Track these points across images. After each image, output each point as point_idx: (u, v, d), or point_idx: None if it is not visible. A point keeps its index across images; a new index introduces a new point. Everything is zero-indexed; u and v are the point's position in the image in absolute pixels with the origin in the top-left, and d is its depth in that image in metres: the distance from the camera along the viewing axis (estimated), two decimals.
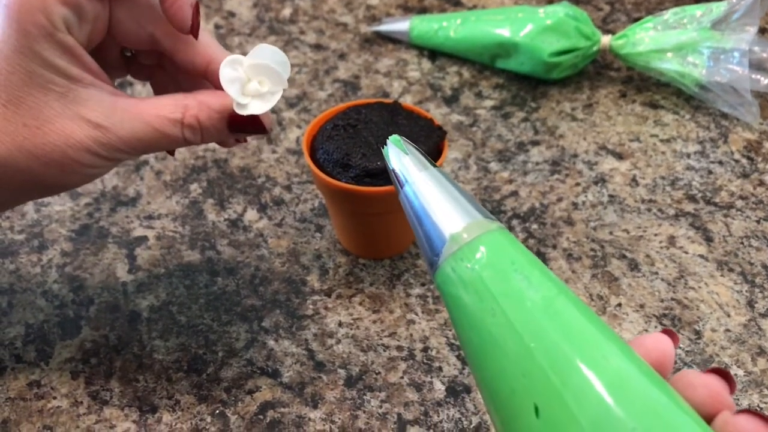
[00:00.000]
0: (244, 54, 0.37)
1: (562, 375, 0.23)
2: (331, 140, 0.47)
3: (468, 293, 0.26)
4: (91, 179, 0.38)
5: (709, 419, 0.24)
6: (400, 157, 0.31)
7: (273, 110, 0.63)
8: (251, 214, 0.54)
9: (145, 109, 0.36)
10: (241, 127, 0.37)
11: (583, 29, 0.62)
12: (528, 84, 0.65)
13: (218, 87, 0.36)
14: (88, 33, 0.36)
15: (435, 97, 0.64)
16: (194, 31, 0.37)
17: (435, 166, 0.30)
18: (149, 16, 0.37)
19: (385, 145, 0.31)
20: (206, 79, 0.38)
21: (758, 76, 0.60)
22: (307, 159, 0.47)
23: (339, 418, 0.43)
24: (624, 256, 0.51)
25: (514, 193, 0.55)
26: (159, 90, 0.42)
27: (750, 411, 0.23)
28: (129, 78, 0.44)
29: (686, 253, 0.51)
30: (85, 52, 0.35)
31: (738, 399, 0.43)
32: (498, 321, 0.25)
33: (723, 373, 0.25)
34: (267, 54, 0.37)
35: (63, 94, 0.35)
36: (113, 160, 0.37)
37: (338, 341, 0.46)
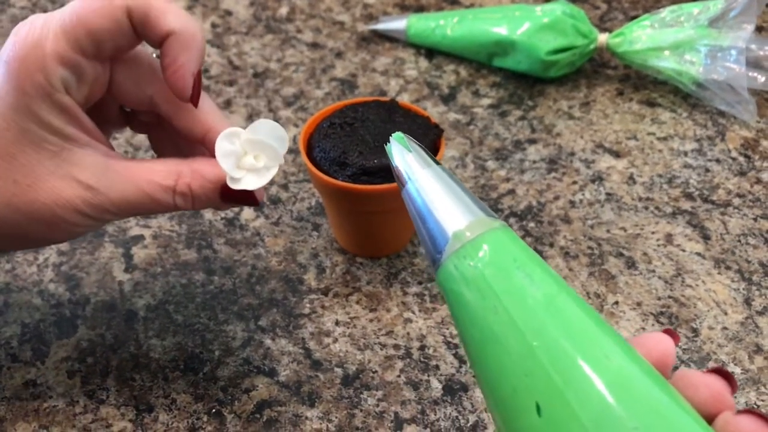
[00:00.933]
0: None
1: (564, 373, 0.23)
2: (327, 138, 0.47)
3: (470, 291, 0.26)
4: (77, 236, 0.38)
5: (709, 419, 0.24)
6: (403, 154, 0.31)
7: (270, 109, 0.63)
8: (248, 213, 0.54)
9: (138, 173, 0.36)
10: (233, 199, 0.37)
11: (581, 27, 0.62)
12: (525, 82, 0.65)
13: (214, 156, 0.36)
14: (86, 93, 0.36)
15: (432, 95, 0.64)
16: (194, 100, 0.37)
17: (438, 163, 0.30)
18: (150, 80, 0.37)
19: (388, 142, 0.31)
20: (203, 146, 0.38)
21: (755, 74, 0.60)
22: (304, 157, 0.47)
23: (336, 417, 0.42)
24: (621, 254, 0.51)
25: (511, 192, 0.55)
26: (157, 144, 0.42)
27: (752, 411, 0.23)
28: None
29: (683, 251, 0.51)
30: (82, 112, 0.36)
31: (735, 397, 0.43)
32: (500, 319, 0.25)
33: (724, 373, 0.25)
34: (266, 129, 0.37)
35: (56, 153, 0.35)
36: (101, 221, 0.37)
37: (335, 340, 0.46)
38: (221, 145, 0.36)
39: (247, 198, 0.37)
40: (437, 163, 0.30)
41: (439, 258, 0.28)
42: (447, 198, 0.29)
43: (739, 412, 0.23)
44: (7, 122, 0.34)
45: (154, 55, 0.38)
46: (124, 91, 0.38)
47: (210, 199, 0.37)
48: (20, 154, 0.34)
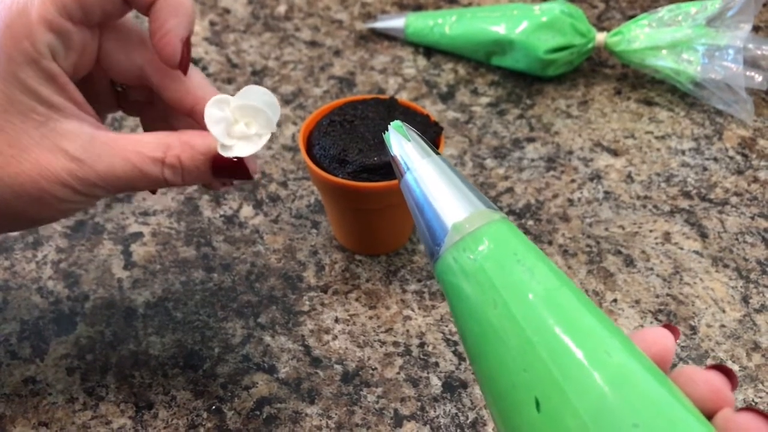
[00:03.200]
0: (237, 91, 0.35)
1: (564, 369, 0.23)
2: (327, 136, 0.47)
3: (470, 284, 0.26)
4: (66, 215, 0.37)
5: (709, 415, 0.24)
6: (402, 143, 0.30)
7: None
8: (247, 211, 0.54)
9: (126, 145, 0.34)
10: (224, 170, 0.36)
11: (579, 26, 0.62)
12: (523, 81, 0.65)
13: (205, 127, 0.35)
14: (74, 62, 0.35)
15: (430, 94, 0.64)
16: (183, 66, 0.36)
17: (438, 153, 0.30)
18: (139, 49, 0.36)
19: (387, 131, 0.31)
20: (193, 118, 0.37)
21: (752, 74, 0.60)
22: (303, 155, 0.47)
23: (335, 414, 0.43)
24: (619, 252, 0.51)
25: (510, 190, 0.56)
26: (148, 127, 0.41)
27: (752, 409, 0.23)
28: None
29: (681, 249, 0.51)
30: (70, 81, 0.35)
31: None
32: (500, 313, 0.25)
33: (724, 370, 0.25)
34: (256, 95, 0.35)
35: (42, 123, 0.33)
36: (89, 196, 0.35)
37: (335, 337, 0.46)
38: (210, 112, 0.35)
39: (239, 170, 0.36)
40: (437, 153, 0.30)
41: (437, 250, 0.27)
42: (447, 189, 0.28)
43: (740, 409, 0.23)
44: None
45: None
46: (114, 62, 0.36)
47: (201, 172, 0.35)
48: (6, 124, 0.33)
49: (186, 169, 0.35)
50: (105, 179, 0.34)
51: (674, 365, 0.43)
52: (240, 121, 0.36)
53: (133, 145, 0.35)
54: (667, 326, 0.26)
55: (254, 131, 0.36)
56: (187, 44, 0.35)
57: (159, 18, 0.34)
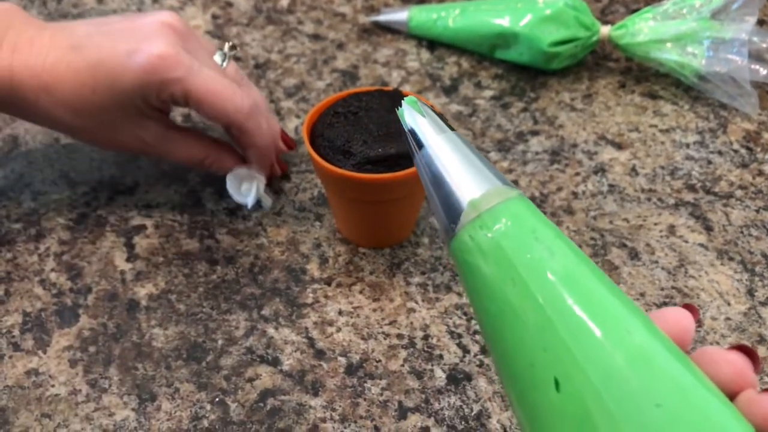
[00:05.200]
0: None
1: (585, 348, 0.23)
2: (331, 128, 0.47)
3: (487, 262, 0.25)
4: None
5: (732, 397, 0.23)
6: (417, 119, 0.29)
7: (271, 99, 0.62)
8: None
9: (186, 141, 0.51)
10: None
11: (583, 19, 0.62)
12: (527, 74, 0.65)
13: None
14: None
15: (434, 87, 0.64)
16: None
17: (453, 129, 0.29)
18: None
19: (400, 106, 0.30)
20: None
21: (757, 67, 0.60)
22: (307, 146, 0.47)
23: (340, 406, 0.42)
24: (624, 245, 0.51)
25: (514, 183, 0.55)
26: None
27: None
28: None
29: (686, 242, 0.51)
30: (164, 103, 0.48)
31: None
32: (518, 291, 0.24)
33: (747, 350, 0.24)
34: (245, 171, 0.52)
35: (135, 121, 0.49)
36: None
37: (338, 329, 0.46)
38: (228, 179, 0.51)
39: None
40: (452, 128, 0.29)
41: (453, 228, 0.27)
42: (462, 165, 0.27)
43: (763, 390, 0.23)
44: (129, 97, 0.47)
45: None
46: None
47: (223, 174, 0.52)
48: (115, 118, 0.48)
49: (215, 171, 0.52)
50: (167, 158, 0.52)
51: None
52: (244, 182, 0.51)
53: (187, 148, 0.51)
54: (687, 306, 0.26)
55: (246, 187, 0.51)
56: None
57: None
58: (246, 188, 0.51)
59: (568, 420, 0.23)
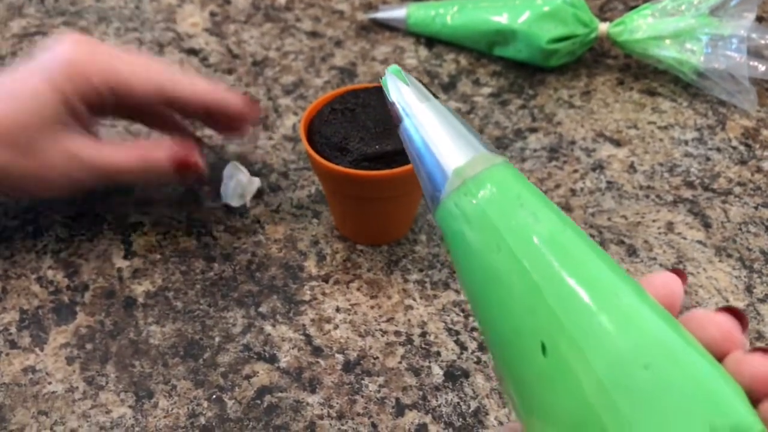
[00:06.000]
0: None
1: (571, 312, 0.23)
2: (328, 124, 0.47)
3: (472, 229, 0.25)
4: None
5: (720, 358, 0.23)
6: (400, 87, 0.29)
7: (269, 97, 0.62)
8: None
9: (109, 154, 0.48)
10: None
11: (581, 16, 0.62)
12: (525, 71, 0.65)
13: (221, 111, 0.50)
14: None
15: (432, 84, 0.64)
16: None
17: (437, 97, 0.29)
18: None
19: (384, 77, 0.30)
20: (209, 110, 0.50)
21: (756, 63, 0.60)
22: (304, 143, 0.47)
23: (337, 403, 0.42)
24: (622, 242, 0.51)
25: None
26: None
27: (764, 349, 0.22)
28: None
29: (684, 239, 0.51)
30: (86, 115, 0.47)
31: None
32: (503, 257, 0.24)
33: (735, 312, 0.24)
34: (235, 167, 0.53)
35: (57, 137, 0.46)
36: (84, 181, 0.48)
37: (336, 326, 0.46)
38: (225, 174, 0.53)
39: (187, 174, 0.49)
40: (436, 96, 0.29)
41: (438, 195, 0.27)
42: (446, 133, 0.27)
43: (751, 350, 0.23)
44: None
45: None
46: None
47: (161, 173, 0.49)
48: (37, 135, 0.45)
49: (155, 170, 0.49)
50: (106, 173, 0.48)
51: None
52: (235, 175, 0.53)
53: (124, 148, 0.48)
54: (675, 270, 0.25)
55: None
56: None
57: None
58: (232, 187, 0.52)
59: (555, 384, 0.23)
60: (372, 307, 0.47)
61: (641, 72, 0.65)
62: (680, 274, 0.25)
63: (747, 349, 0.23)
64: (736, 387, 0.22)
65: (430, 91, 0.29)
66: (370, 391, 0.43)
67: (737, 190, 0.55)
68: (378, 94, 0.48)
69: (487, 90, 0.63)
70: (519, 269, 0.24)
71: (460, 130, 0.27)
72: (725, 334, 0.23)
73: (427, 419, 0.41)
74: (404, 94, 0.29)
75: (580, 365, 0.22)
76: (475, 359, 0.44)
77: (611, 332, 0.22)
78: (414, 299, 0.48)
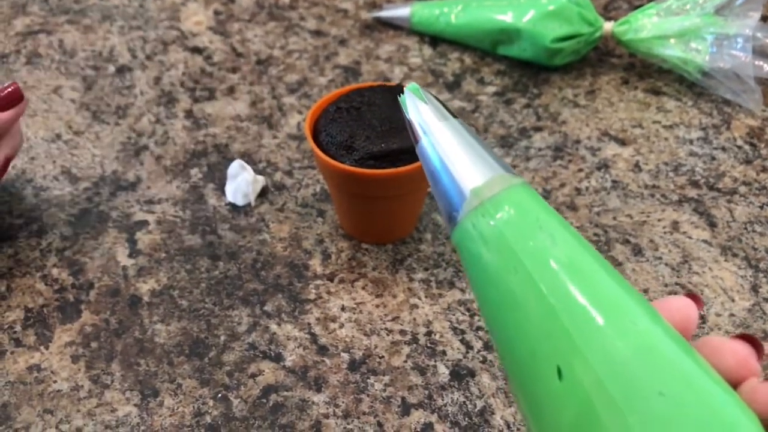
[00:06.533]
0: None
1: (588, 337, 0.23)
2: (334, 123, 0.47)
3: (489, 250, 0.25)
4: None
5: (735, 385, 0.23)
6: (418, 106, 0.29)
7: (273, 96, 0.62)
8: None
9: None
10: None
11: (586, 15, 0.62)
12: (530, 70, 0.65)
13: None
14: None
15: (437, 83, 0.64)
16: None
17: (455, 116, 0.29)
18: None
19: (402, 94, 0.30)
20: None
21: (761, 63, 0.60)
22: (309, 141, 0.47)
23: (343, 402, 0.42)
24: (627, 241, 0.51)
25: None
26: None
27: None
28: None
29: (690, 238, 0.51)
30: None
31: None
32: (520, 279, 0.24)
33: (750, 339, 0.24)
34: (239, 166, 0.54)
35: None
36: None
37: (341, 325, 0.46)
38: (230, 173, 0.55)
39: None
40: (454, 116, 0.29)
41: (455, 215, 0.26)
42: (465, 153, 0.27)
43: (767, 378, 0.23)
44: None
45: None
46: None
47: None
48: None
49: None
50: None
51: None
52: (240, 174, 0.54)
53: None
54: (690, 295, 0.25)
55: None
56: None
57: None
58: (237, 186, 0.53)
59: (570, 409, 0.23)
60: (377, 306, 0.47)
61: (646, 71, 0.65)
62: (696, 299, 0.25)
63: (762, 377, 0.23)
64: (751, 415, 0.22)
65: (449, 110, 0.29)
66: (376, 390, 0.43)
67: (742, 189, 0.54)
68: (383, 92, 0.48)
69: (491, 89, 0.63)
70: (536, 292, 0.24)
71: (477, 150, 0.27)
72: (741, 362, 0.23)
73: (433, 418, 0.41)
74: (422, 113, 0.29)
75: (596, 390, 0.22)
76: (481, 358, 0.44)
77: (627, 358, 0.22)
78: (419, 298, 0.48)
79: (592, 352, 0.22)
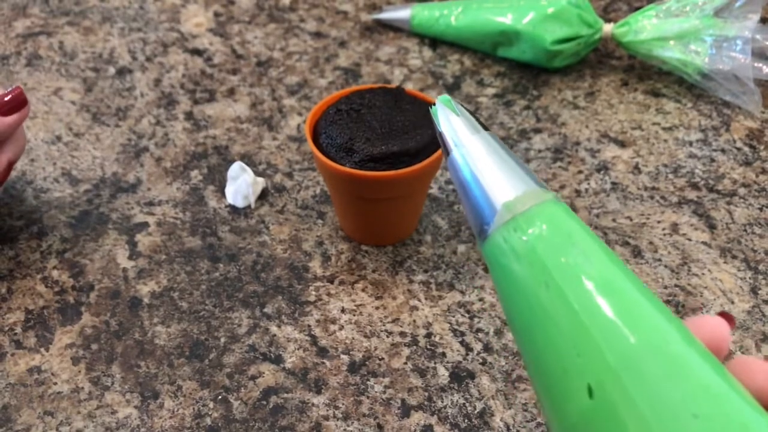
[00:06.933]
0: None
1: (620, 356, 0.22)
2: (334, 125, 0.47)
3: (521, 265, 0.25)
4: None
5: (767, 406, 0.23)
6: (450, 118, 0.29)
7: (273, 97, 0.62)
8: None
9: None
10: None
11: (585, 17, 0.62)
12: (530, 72, 0.65)
13: None
14: None
15: (437, 85, 0.64)
16: None
17: (487, 129, 0.29)
18: None
19: (433, 105, 0.29)
20: None
21: (761, 65, 0.60)
22: (310, 143, 0.47)
23: (342, 404, 0.42)
24: (627, 243, 0.51)
25: None
26: None
27: None
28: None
29: (689, 240, 0.51)
30: None
31: None
32: (552, 295, 0.24)
33: None
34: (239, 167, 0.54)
35: None
36: None
37: (341, 327, 0.46)
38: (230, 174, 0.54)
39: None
40: (486, 128, 0.29)
41: (486, 229, 0.26)
42: (496, 166, 0.27)
43: None
44: None
45: None
46: None
47: None
48: None
49: None
50: None
51: None
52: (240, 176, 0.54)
53: None
54: (723, 314, 0.25)
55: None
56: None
57: None
58: (237, 188, 0.53)
59: (601, 428, 0.22)
60: (377, 308, 0.47)
61: (645, 73, 0.65)
62: (729, 318, 0.25)
63: None
64: None
65: (480, 122, 0.29)
66: (376, 392, 0.43)
67: (742, 191, 0.55)
68: (383, 94, 0.48)
69: (491, 91, 0.63)
70: (568, 309, 0.24)
71: (509, 164, 0.27)
72: None
73: (433, 420, 0.41)
74: (454, 125, 0.29)
75: (628, 410, 0.22)
76: (481, 360, 0.44)
77: (660, 378, 0.22)
78: (419, 300, 0.48)
79: (624, 372, 0.22)
